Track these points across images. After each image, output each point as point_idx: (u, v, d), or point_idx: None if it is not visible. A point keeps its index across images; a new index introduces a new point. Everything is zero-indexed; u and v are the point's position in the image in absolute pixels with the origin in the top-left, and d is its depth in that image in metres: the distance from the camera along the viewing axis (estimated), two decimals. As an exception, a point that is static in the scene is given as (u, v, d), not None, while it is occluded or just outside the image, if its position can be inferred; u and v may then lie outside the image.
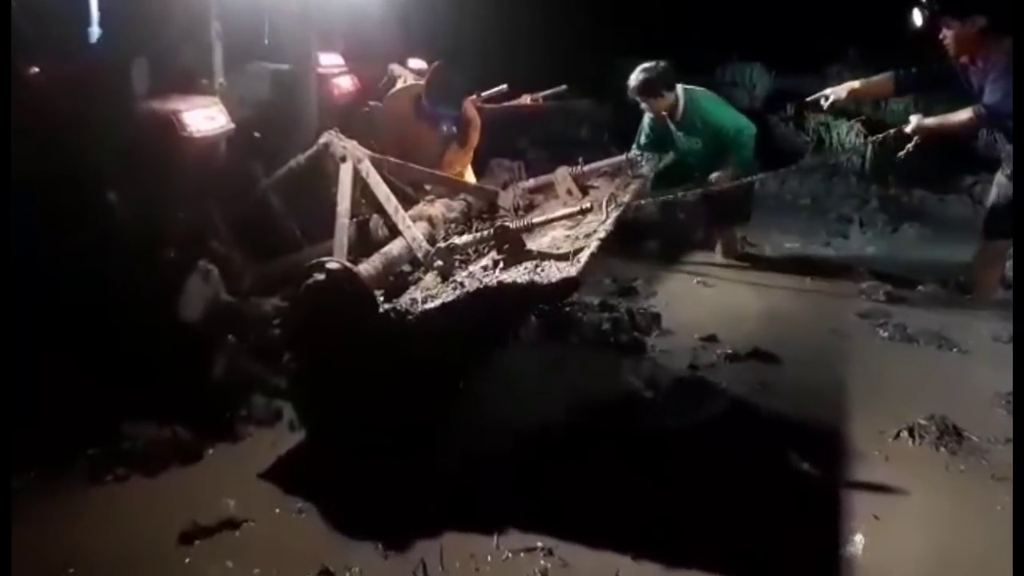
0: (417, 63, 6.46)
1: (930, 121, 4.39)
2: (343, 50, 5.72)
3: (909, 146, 4.43)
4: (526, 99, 6.21)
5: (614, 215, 3.22)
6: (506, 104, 5.99)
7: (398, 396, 2.70)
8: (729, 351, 3.92)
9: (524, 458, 2.96)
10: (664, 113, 5.25)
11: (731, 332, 4.13)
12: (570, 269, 2.68)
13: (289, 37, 4.19)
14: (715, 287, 4.95)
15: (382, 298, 3.05)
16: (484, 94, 5.99)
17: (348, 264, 2.76)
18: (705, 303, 4.68)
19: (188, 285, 3.01)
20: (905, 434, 3.15)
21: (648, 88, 5.17)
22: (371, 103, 5.10)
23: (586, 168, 3.85)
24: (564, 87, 6.43)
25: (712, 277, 5.09)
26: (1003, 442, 3.10)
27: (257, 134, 3.69)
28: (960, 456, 3.03)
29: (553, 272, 2.76)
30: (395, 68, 6.13)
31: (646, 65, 5.20)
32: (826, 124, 10.38)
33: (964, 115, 4.30)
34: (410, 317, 2.68)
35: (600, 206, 3.38)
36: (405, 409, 2.74)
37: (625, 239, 4.85)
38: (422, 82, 4.39)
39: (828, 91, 4.92)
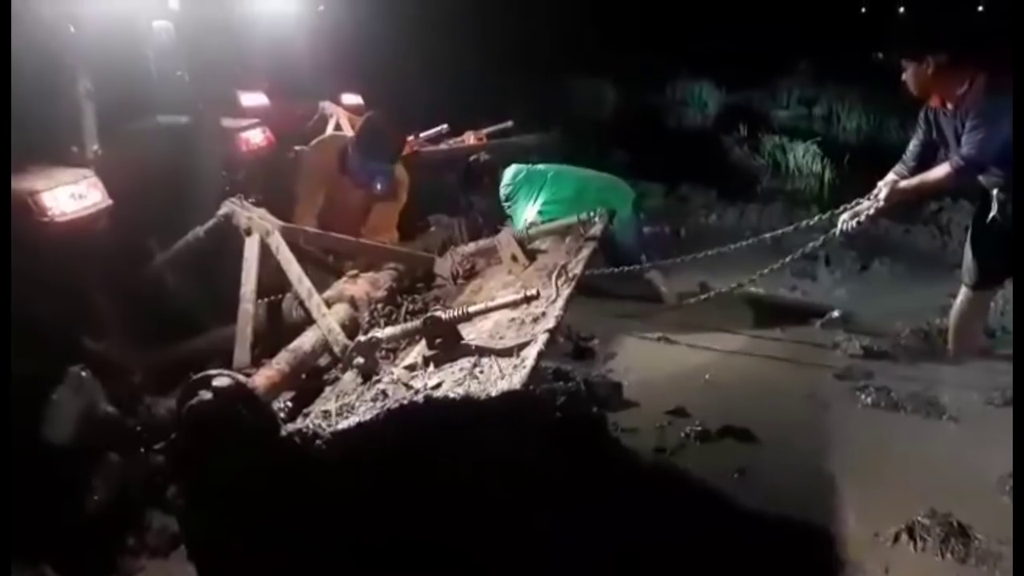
0: (351, 98, 6.04)
1: (906, 185, 4.00)
2: (268, 88, 5.27)
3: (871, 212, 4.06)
4: (470, 137, 5.81)
5: (566, 294, 2.77)
6: (448, 145, 5.59)
7: (306, 531, 2.22)
8: (699, 428, 3.50)
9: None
10: None
11: (699, 403, 3.72)
12: (514, 377, 2.22)
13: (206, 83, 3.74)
14: (677, 345, 4.52)
15: (291, 403, 2.59)
16: (423, 135, 5.58)
17: (241, 379, 2.26)
18: (668, 366, 4.26)
19: (55, 401, 2.49)
20: (905, 537, 2.75)
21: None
22: (297, 148, 4.63)
23: (532, 231, 3.41)
24: (510, 122, 6.06)
25: (673, 332, 4.65)
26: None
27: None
28: (970, 565, 2.64)
29: (494, 374, 2.31)
30: (327, 106, 5.70)
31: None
32: (782, 146, 10.16)
33: (941, 171, 3.90)
34: (319, 441, 2.20)
35: (548, 279, 2.95)
36: (317, 545, 2.26)
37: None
38: (347, 133, 3.92)
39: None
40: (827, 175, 9.11)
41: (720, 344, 4.52)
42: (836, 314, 4.82)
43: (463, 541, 2.52)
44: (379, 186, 3.80)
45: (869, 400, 3.78)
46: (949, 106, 3.91)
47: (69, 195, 2.56)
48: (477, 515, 2.54)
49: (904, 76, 3.97)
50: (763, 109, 13.08)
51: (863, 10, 18.71)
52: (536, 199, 4.99)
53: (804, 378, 4.05)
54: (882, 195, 4.03)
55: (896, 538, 2.75)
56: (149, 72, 3.83)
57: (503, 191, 5.08)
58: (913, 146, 4.15)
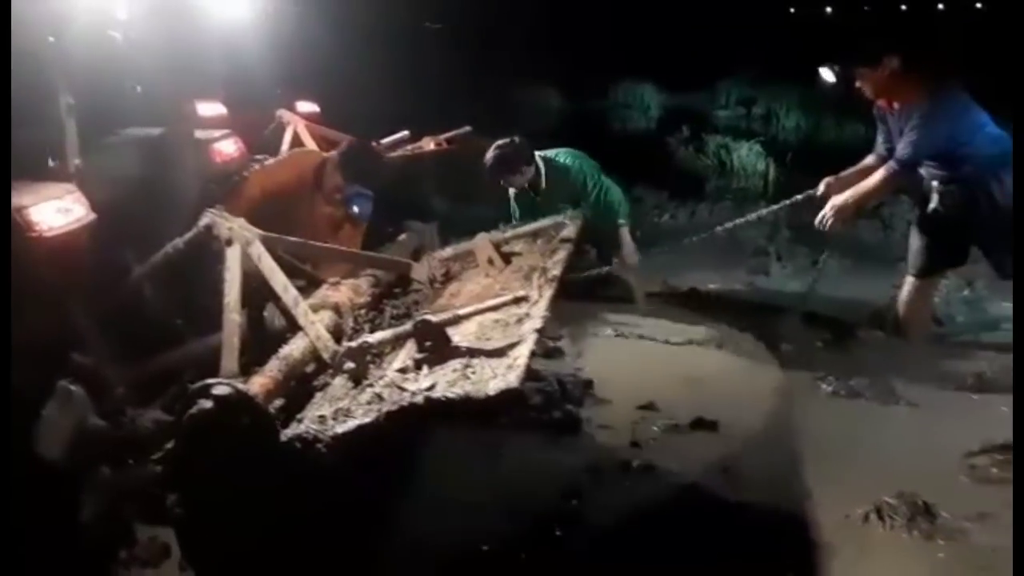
0: (307, 106, 6.02)
1: (844, 197, 4.18)
2: (224, 97, 5.24)
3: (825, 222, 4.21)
4: (428, 144, 5.83)
5: (548, 295, 2.85)
6: (408, 151, 5.60)
7: (309, 537, 2.26)
8: (670, 421, 3.61)
9: None
10: (526, 187, 4.99)
11: (669, 397, 3.82)
12: (509, 376, 2.29)
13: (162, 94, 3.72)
14: (643, 342, 4.63)
15: (282, 410, 2.63)
16: (384, 141, 5.59)
17: (241, 387, 2.30)
18: (636, 362, 4.37)
19: (45, 415, 2.48)
20: (874, 517, 2.87)
21: (505, 167, 4.89)
22: (258, 158, 4.63)
23: (508, 234, 3.49)
24: (469, 128, 6.09)
25: (638, 329, 4.77)
26: (976, 519, 2.85)
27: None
28: (936, 540, 2.77)
29: (487, 374, 2.38)
30: (284, 114, 5.66)
31: (500, 143, 4.91)
32: (725, 146, 10.40)
33: (878, 178, 4.14)
34: (320, 445, 2.24)
35: (526, 280, 3.03)
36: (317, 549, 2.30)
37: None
38: (313, 143, 3.94)
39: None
40: (771, 173, 9.35)
41: (684, 339, 4.64)
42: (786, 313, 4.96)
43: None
44: (357, 209, 3.82)
45: (830, 389, 3.93)
46: (896, 108, 4.11)
47: (55, 210, 2.55)
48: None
49: (859, 80, 4.16)
50: (704, 110, 13.35)
51: (792, 10, 19.23)
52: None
53: (767, 370, 4.19)
54: (828, 220, 4.19)
55: (866, 519, 2.87)
56: (118, 84, 3.80)
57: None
58: (880, 138, 4.37)
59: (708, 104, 13.87)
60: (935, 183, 4.18)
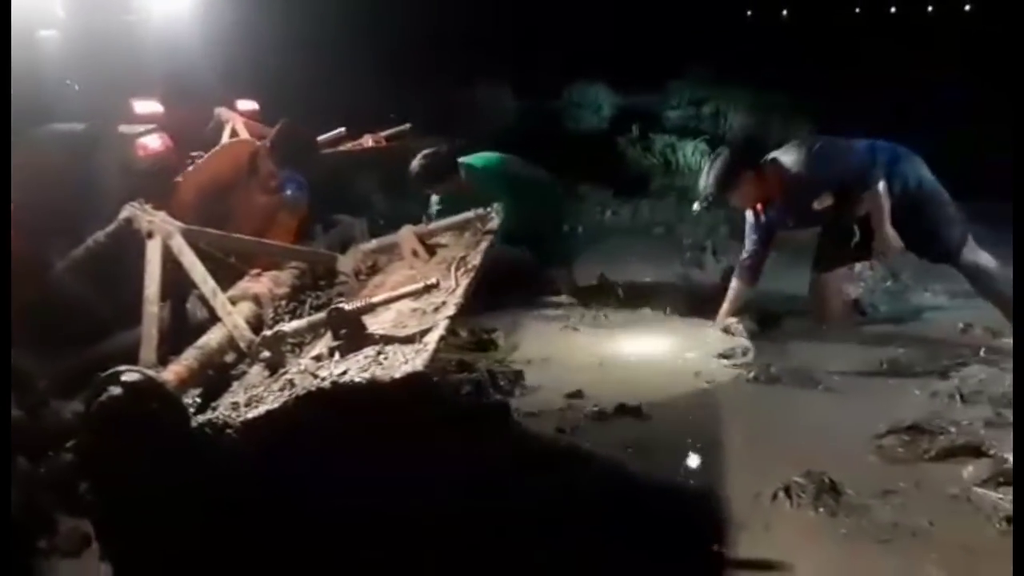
0: (247, 104, 6.02)
1: (720, 321, 4.68)
2: (162, 95, 5.23)
3: None
4: (367, 140, 5.88)
5: (465, 283, 2.93)
6: (346, 148, 5.65)
7: (221, 521, 2.30)
8: (596, 408, 3.70)
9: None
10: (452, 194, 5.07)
11: (596, 386, 3.92)
12: (416, 360, 2.36)
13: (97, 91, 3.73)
14: (575, 333, 4.74)
15: (199, 398, 2.66)
16: (321, 138, 5.62)
17: (151, 373, 2.33)
18: (568, 353, 4.46)
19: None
20: (782, 495, 2.97)
21: (429, 176, 5.04)
22: (194, 155, 4.64)
23: (432, 226, 3.55)
24: (408, 125, 6.15)
25: (572, 322, 4.88)
26: (880, 495, 2.97)
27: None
28: (840, 517, 2.87)
29: (398, 360, 2.44)
30: (223, 112, 5.67)
31: (425, 152, 5.06)
32: (672, 145, 10.57)
33: (733, 289, 4.73)
34: (230, 430, 2.29)
35: (448, 271, 3.10)
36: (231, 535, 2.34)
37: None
38: (249, 137, 3.97)
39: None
40: (714, 171, 9.49)
41: (616, 330, 4.75)
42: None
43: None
44: (290, 192, 3.86)
45: (751, 375, 4.05)
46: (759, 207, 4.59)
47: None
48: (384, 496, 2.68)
49: (732, 202, 4.65)
50: (655, 110, 13.52)
51: (748, 13, 19.53)
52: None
53: (692, 358, 4.30)
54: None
55: (774, 497, 2.96)
56: (42, 80, 3.80)
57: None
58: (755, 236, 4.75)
59: (660, 105, 14.05)
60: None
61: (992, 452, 3.14)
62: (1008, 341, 4.23)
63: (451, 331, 4.38)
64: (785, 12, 20.37)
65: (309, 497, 2.86)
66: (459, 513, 2.92)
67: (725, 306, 4.70)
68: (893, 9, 19.58)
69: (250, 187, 3.94)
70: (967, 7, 18.06)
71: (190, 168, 4.03)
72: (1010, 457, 3.06)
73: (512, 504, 2.99)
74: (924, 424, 3.36)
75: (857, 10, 19.22)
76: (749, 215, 4.70)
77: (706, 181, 4.60)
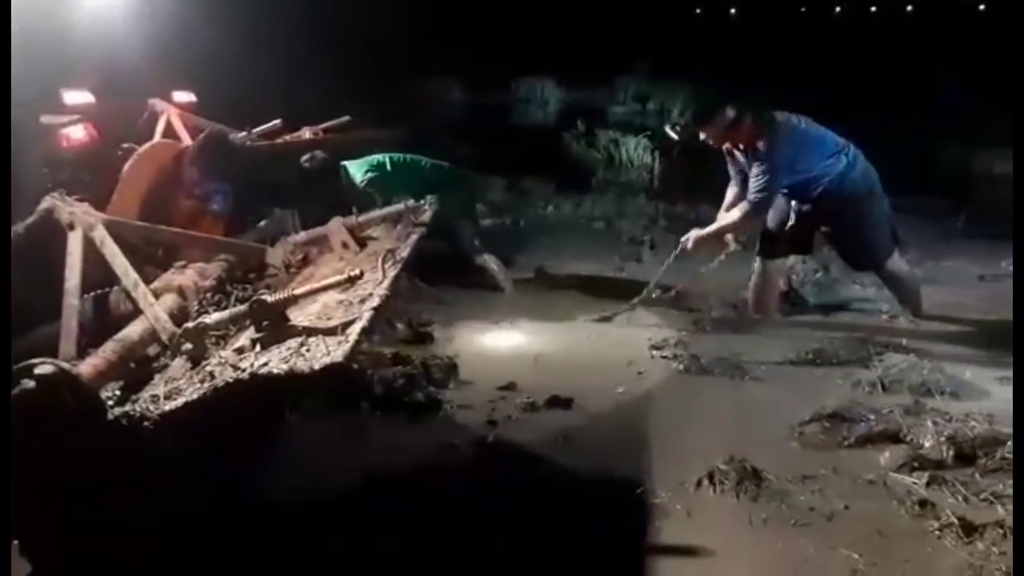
0: (183, 96, 5.92)
1: (704, 232, 4.68)
2: (94, 85, 5.13)
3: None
4: (306, 133, 5.82)
5: (392, 275, 2.92)
6: (283, 140, 5.58)
7: (138, 516, 2.28)
8: (528, 400, 3.73)
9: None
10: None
11: (529, 378, 3.96)
12: (337, 351, 2.35)
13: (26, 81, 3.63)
14: (511, 326, 4.77)
15: (120, 392, 2.63)
16: (257, 130, 5.55)
17: (65, 366, 2.30)
18: (502, 346, 4.50)
19: None
20: (706, 482, 3.04)
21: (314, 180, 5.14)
22: (125, 146, 4.55)
23: (362, 218, 3.54)
24: (347, 118, 6.10)
25: (507, 316, 4.90)
26: (800, 481, 3.05)
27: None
28: (761, 502, 2.94)
29: (319, 352, 2.43)
30: (157, 103, 5.56)
31: (307, 156, 5.20)
32: (615, 140, 10.66)
33: (734, 217, 4.59)
34: (147, 423, 2.26)
35: (376, 263, 3.09)
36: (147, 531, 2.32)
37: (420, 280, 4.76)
38: (180, 143, 3.89)
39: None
40: (656, 166, 9.63)
41: (551, 324, 4.80)
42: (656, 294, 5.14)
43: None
44: (216, 206, 3.80)
45: (682, 367, 4.12)
46: (740, 148, 4.55)
47: None
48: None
49: (702, 134, 4.56)
50: (601, 106, 13.61)
51: (697, 11, 19.76)
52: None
53: (625, 350, 4.35)
54: (689, 246, 4.68)
55: (699, 484, 3.03)
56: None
57: (365, 179, 5.15)
58: (732, 169, 4.73)
59: (606, 100, 14.15)
60: (793, 203, 4.59)
61: (909, 439, 3.25)
62: (930, 327, 4.57)
63: (388, 324, 4.43)
64: (733, 11, 20.64)
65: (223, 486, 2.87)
66: (385, 503, 2.96)
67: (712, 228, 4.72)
68: (838, 9, 19.95)
69: (175, 192, 3.86)
70: (909, 7, 18.46)
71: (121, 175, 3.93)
72: (925, 443, 3.18)
73: (440, 495, 3.03)
74: (844, 412, 3.46)
75: (803, 9, 19.54)
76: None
77: (688, 107, 4.66)
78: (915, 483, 2.99)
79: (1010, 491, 2.85)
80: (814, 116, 4.60)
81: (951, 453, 3.09)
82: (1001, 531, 2.60)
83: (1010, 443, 3.09)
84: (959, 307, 4.92)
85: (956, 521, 2.67)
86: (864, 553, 2.61)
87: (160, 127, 5.14)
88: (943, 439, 3.15)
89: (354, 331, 2.48)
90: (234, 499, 2.86)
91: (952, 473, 3.00)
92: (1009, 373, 3.84)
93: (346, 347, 2.38)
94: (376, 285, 2.88)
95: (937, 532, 2.67)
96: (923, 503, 2.84)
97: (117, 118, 5.13)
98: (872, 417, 3.41)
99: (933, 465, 3.06)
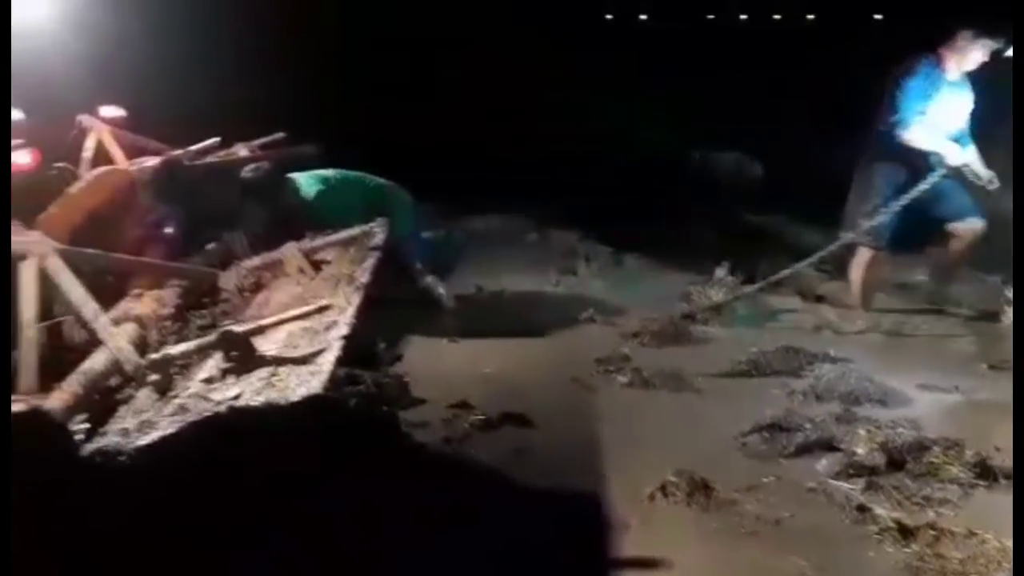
0: (111, 111, 5.79)
1: None
2: (22, 102, 4.97)
3: None
4: (240, 150, 5.76)
5: (356, 302, 2.97)
6: (218, 158, 5.52)
7: (117, 554, 2.28)
8: (481, 417, 3.80)
9: None
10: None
11: (480, 395, 4.02)
12: (313, 382, 2.40)
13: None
14: (457, 343, 4.84)
15: (87, 425, 2.61)
16: (192, 148, 5.48)
17: (36, 403, 2.28)
18: (451, 363, 4.56)
19: None
20: (659, 494, 3.16)
21: (257, 192, 4.95)
22: (59, 164, 4.45)
23: (316, 242, 3.57)
24: (282, 134, 6.05)
25: (452, 333, 4.96)
26: (746, 490, 3.21)
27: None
28: (711, 512, 3.09)
29: (292, 382, 2.48)
30: (85, 119, 5.43)
31: (252, 167, 5.06)
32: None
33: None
34: (122, 457, 2.27)
35: (336, 288, 3.14)
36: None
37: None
38: (133, 171, 3.84)
39: None
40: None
41: (496, 340, 4.88)
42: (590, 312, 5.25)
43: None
44: (167, 231, 3.77)
45: (625, 380, 4.26)
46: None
47: None
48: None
49: None
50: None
51: (608, 16, 19.96)
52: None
53: (569, 365, 4.46)
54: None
55: (652, 497, 3.15)
56: None
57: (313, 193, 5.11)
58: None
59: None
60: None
61: (843, 446, 3.46)
62: (855, 338, 4.85)
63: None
64: (644, 16, 20.93)
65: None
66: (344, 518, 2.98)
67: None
68: (743, 16, 20.47)
69: (124, 220, 3.81)
70: (809, 16, 19.09)
71: (62, 198, 3.84)
72: (859, 451, 3.39)
73: (398, 511, 3.06)
74: (782, 422, 3.65)
75: (710, 16, 19.93)
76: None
77: None
78: (852, 489, 3.18)
79: (938, 495, 3.09)
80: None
81: (884, 460, 3.30)
82: (934, 533, 2.81)
83: (935, 448, 3.34)
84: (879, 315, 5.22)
85: (893, 525, 2.86)
86: (810, 558, 2.76)
87: (89, 144, 5.03)
88: (875, 446, 3.37)
89: (327, 361, 2.54)
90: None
91: (885, 479, 3.21)
92: (929, 381, 4.13)
93: (322, 377, 2.43)
94: (340, 312, 2.93)
95: (877, 536, 2.86)
96: (861, 508, 3.02)
97: (47, 136, 5.01)
98: (808, 426, 3.61)
99: (868, 471, 3.26)
